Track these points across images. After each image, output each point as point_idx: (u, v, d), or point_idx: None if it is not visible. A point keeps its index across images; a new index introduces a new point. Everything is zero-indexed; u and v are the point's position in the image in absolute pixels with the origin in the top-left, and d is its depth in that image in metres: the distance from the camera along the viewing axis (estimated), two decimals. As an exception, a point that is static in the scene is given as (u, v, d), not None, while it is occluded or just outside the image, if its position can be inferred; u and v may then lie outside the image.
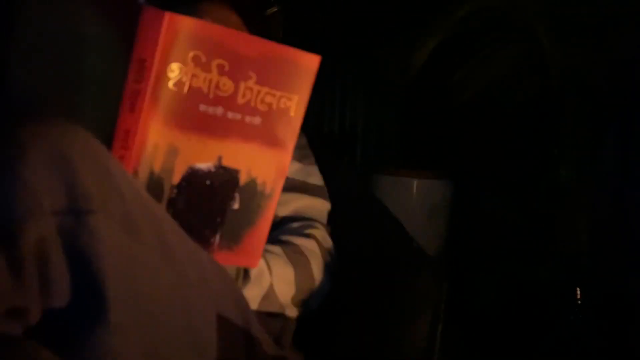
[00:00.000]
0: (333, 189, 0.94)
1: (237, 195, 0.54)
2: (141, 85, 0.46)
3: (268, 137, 0.54)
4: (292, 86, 0.53)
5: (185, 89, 0.48)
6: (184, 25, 0.46)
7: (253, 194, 0.55)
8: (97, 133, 0.48)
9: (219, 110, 0.51)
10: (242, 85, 0.51)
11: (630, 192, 1.89)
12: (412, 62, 1.55)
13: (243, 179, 0.54)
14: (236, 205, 0.54)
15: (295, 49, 0.52)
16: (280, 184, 0.57)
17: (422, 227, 2.56)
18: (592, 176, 1.95)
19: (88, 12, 0.47)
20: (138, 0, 0.45)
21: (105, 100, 0.47)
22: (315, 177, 0.92)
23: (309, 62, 0.53)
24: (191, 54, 0.48)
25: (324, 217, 0.87)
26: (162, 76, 0.47)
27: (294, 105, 0.54)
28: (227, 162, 0.53)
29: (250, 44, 0.50)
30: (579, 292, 1.82)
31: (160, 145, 0.49)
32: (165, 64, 0.46)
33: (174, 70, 0.47)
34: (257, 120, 0.53)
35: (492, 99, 2.11)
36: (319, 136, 3.72)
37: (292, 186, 0.84)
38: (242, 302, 0.55)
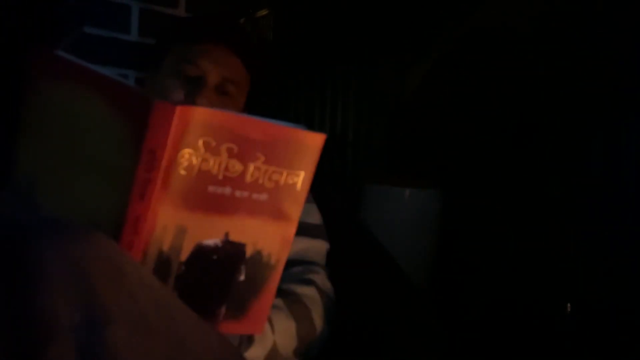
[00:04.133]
0: (328, 225, 0.95)
1: (243, 268, 0.55)
2: (152, 175, 0.47)
3: (274, 212, 0.55)
4: (299, 164, 0.54)
5: (195, 172, 0.49)
6: (195, 116, 0.47)
7: (259, 265, 0.56)
8: (106, 219, 0.49)
9: (227, 190, 0.52)
10: (250, 166, 0.52)
11: (619, 202, 1.93)
12: (406, 85, 1.57)
13: (249, 251, 0.55)
14: (242, 277, 0.56)
15: (301, 130, 0.53)
16: (286, 254, 0.58)
17: (413, 236, 2.58)
18: (580, 187, 1.99)
19: (98, 101, 0.48)
20: (149, 95, 0.45)
21: (114, 186, 0.48)
22: (313, 216, 0.93)
23: (315, 141, 0.54)
24: (201, 140, 0.48)
25: (323, 258, 0.89)
26: (172, 164, 0.47)
27: (300, 180, 0.55)
28: (233, 237, 0.54)
29: (258, 128, 0.51)
30: (569, 306, 1.86)
31: (169, 226, 0.50)
32: (175, 153, 0.47)
33: (184, 156, 0.48)
34: (263, 196, 0.54)
35: (483, 111, 2.13)
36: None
37: None
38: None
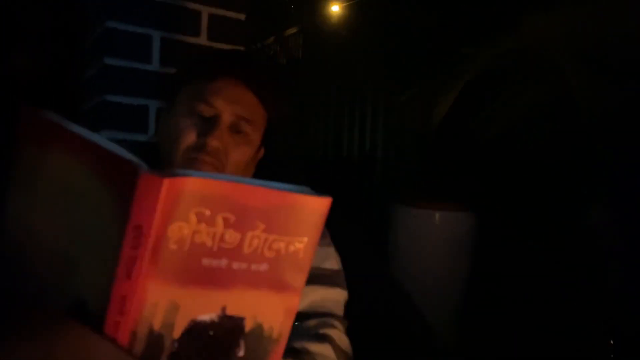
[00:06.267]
0: (348, 268, 0.90)
1: (242, 343, 0.51)
2: (138, 252, 0.43)
3: (275, 282, 0.51)
4: (302, 230, 0.50)
5: (187, 245, 0.45)
6: (185, 188, 0.43)
7: (260, 339, 0.52)
8: (94, 296, 0.45)
9: (223, 262, 0.47)
10: (248, 235, 0.47)
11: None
12: (435, 113, 1.51)
13: (249, 325, 0.51)
14: (241, 353, 0.51)
15: (304, 195, 0.49)
16: (289, 325, 0.53)
17: (443, 261, 2.50)
18: (624, 217, 1.87)
19: (85, 169, 0.45)
20: (136, 166, 0.42)
21: (102, 262, 0.45)
22: (331, 260, 0.89)
23: (319, 205, 0.50)
24: (194, 211, 0.44)
25: (340, 309, 0.84)
26: (161, 239, 0.44)
27: (304, 247, 0.51)
28: (231, 311, 0.50)
29: (257, 195, 0.47)
30: (611, 342, 1.74)
31: (160, 303, 0.46)
32: (164, 228, 0.43)
33: (175, 230, 0.44)
34: (263, 267, 0.49)
35: (519, 135, 2.05)
36: (338, 159, 3.69)
37: None
38: None
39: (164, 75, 1.35)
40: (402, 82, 2.15)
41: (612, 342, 1.75)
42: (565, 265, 2.03)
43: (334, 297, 0.83)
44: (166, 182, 0.42)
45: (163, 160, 0.88)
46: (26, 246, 0.49)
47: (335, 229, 0.94)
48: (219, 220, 0.46)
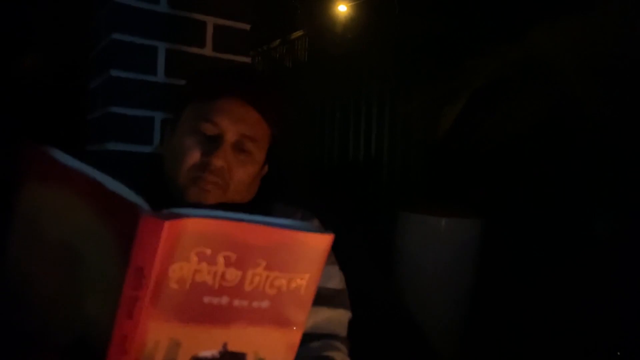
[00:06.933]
0: (351, 284, 0.89)
1: (244, 378, 0.51)
2: (140, 293, 0.43)
3: (277, 319, 0.50)
4: (304, 267, 0.50)
5: (188, 284, 0.45)
6: (186, 229, 0.43)
7: (261, 374, 0.52)
8: (96, 333, 0.45)
9: (224, 300, 0.47)
10: (249, 273, 0.47)
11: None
12: (442, 120, 1.50)
13: (250, 360, 0.51)
14: (243, 388, 0.51)
15: (305, 232, 0.48)
16: (291, 359, 0.53)
17: (449, 268, 2.49)
18: (631, 226, 1.86)
19: (87, 208, 0.45)
20: (137, 208, 0.42)
21: (103, 300, 0.45)
22: (335, 280, 0.88)
23: (321, 242, 0.50)
24: (195, 251, 0.44)
25: (344, 329, 0.83)
26: (162, 280, 0.44)
27: (305, 283, 0.50)
28: (232, 347, 0.50)
29: (259, 234, 0.47)
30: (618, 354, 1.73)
31: (162, 341, 0.46)
32: (166, 269, 0.43)
33: (176, 270, 0.44)
34: (265, 304, 0.49)
35: (525, 142, 2.03)
36: (344, 165, 3.69)
37: None
38: None
39: (169, 87, 1.35)
40: (409, 88, 2.14)
41: (619, 354, 1.73)
42: (572, 273, 2.02)
43: (338, 318, 0.82)
44: (167, 225, 0.42)
45: (167, 174, 0.88)
46: (29, 281, 0.49)
47: (337, 240, 0.93)
48: (220, 259, 0.46)
